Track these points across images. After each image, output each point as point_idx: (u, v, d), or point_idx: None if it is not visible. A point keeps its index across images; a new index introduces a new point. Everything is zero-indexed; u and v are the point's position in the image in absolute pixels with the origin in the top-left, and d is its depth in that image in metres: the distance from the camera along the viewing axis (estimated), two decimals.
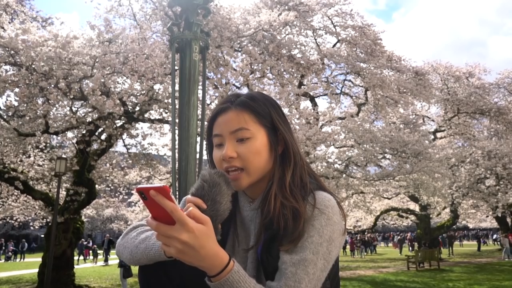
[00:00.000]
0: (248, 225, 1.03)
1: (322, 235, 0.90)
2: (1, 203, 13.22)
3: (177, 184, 3.30)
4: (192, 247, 0.75)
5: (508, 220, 24.94)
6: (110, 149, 11.06)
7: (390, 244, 45.85)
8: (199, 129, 3.57)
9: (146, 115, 9.46)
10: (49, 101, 8.14)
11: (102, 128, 9.84)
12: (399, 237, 32.59)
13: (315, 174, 1.06)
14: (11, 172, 9.94)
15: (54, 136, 10.41)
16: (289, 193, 0.95)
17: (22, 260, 26.75)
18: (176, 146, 3.49)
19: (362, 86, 13.81)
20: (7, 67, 8.27)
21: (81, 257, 24.51)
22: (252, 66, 9.76)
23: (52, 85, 7.56)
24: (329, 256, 0.90)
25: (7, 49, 7.66)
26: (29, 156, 11.41)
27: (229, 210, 0.91)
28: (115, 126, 9.30)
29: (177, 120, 3.57)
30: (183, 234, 0.74)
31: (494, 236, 32.65)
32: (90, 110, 9.39)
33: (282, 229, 0.91)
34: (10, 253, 27.10)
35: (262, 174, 0.99)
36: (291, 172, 0.99)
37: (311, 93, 12.74)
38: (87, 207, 13.46)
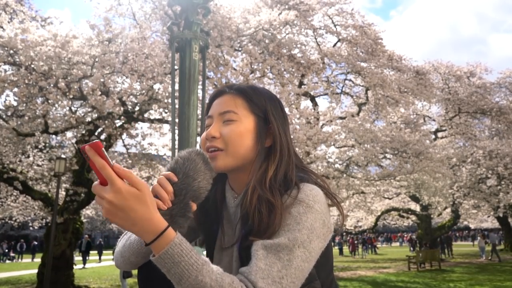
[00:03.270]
0: (234, 222, 1.01)
1: (299, 222, 0.85)
2: (0, 203, 13.18)
3: None
4: (120, 208, 0.74)
5: (510, 220, 24.88)
6: (109, 149, 11.01)
7: (394, 244, 45.72)
8: (199, 129, 3.53)
9: (145, 115, 9.42)
10: (49, 101, 8.11)
11: (101, 128, 9.80)
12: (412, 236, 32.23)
13: (310, 170, 1.02)
14: (10, 172, 9.89)
15: (54, 136, 10.37)
16: (267, 188, 0.92)
17: (20, 260, 26.76)
18: (176, 146, 3.46)
19: (362, 86, 13.75)
20: (6, 66, 8.22)
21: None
22: (252, 66, 9.71)
23: (52, 85, 7.52)
24: (310, 245, 0.84)
25: (6, 48, 7.62)
26: (28, 156, 11.37)
27: (207, 191, 0.89)
28: (114, 126, 9.26)
29: (177, 120, 3.53)
30: (110, 193, 0.73)
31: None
32: (89, 110, 9.36)
33: (257, 224, 0.88)
34: (12, 255, 27.11)
35: (242, 160, 0.97)
36: (275, 167, 0.96)
37: (312, 93, 12.68)
38: (87, 207, 13.42)
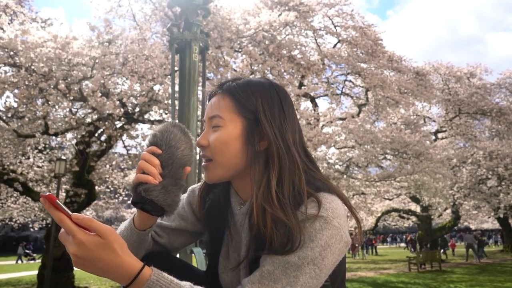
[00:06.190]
0: (239, 230, 0.96)
1: (313, 239, 0.79)
2: (1, 204, 13.18)
3: None
4: (86, 260, 0.71)
5: (510, 221, 24.84)
6: (110, 150, 11.02)
7: (401, 245, 45.34)
8: (199, 130, 3.53)
9: (146, 116, 9.43)
10: (49, 102, 8.11)
11: (101, 129, 9.81)
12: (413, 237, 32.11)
13: (321, 175, 0.92)
14: (10, 173, 9.89)
15: (54, 137, 10.38)
16: (277, 206, 0.82)
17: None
18: None
19: (362, 87, 13.75)
20: (7, 68, 8.24)
21: None
22: (252, 67, 9.71)
23: (52, 86, 7.53)
24: (322, 263, 0.79)
25: (6, 50, 7.62)
26: (29, 158, 11.37)
27: (192, 157, 0.89)
28: (114, 127, 9.26)
29: (177, 121, 3.53)
30: (72, 246, 0.70)
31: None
32: (89, 111, 9.37)
33: (273, 243, 0.81)
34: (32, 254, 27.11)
35: (233, 169, 0.91)
36: (277, 176, 0.85)
37: (312, 94, 12.68)
38: (87, 208, 13.41)
